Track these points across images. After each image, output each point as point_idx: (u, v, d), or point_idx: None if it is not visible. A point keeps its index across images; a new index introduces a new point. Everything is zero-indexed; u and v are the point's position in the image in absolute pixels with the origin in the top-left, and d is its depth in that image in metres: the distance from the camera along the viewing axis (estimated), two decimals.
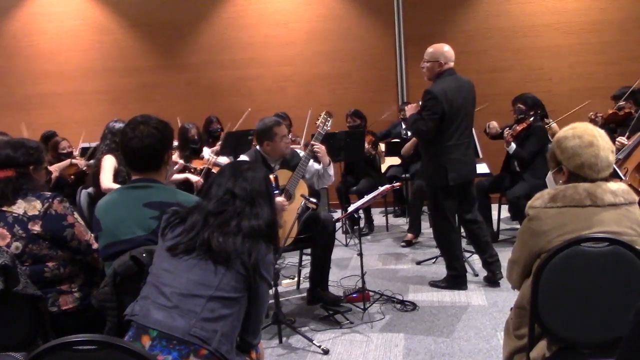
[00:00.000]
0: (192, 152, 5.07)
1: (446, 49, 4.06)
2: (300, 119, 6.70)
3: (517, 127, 5.25)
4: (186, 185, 4.69)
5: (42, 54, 8.50)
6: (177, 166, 4.66)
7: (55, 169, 5.29)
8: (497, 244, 5.22)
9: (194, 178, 4.75)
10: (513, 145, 5.18)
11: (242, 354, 1.88)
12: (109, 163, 3.90)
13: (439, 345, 3.29)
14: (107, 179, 3.83)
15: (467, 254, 4.70)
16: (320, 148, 3.84)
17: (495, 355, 3.11)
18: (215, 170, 4.78)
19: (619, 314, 1.89)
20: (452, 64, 4.07)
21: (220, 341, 1.70)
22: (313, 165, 3.95)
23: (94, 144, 5.96)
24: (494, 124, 5.49)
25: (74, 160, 5.51)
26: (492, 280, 4.23)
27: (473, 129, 4.44)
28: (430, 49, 4.10)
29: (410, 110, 4.20)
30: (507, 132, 5.23)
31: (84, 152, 5.97)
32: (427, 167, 4.22)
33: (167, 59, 8.28)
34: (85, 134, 6.49)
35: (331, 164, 3.98)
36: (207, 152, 5.21)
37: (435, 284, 4.31)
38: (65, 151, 5.66)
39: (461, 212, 4.27)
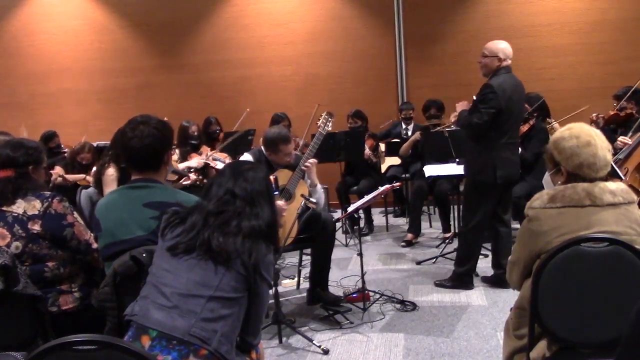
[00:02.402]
0: (191, 147, 5.07)
1: (503, 45, 3.98)
2: (300, 118, 6.70)
3: (522, 128, 5.19)
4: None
5: (42, 54, 8.50)
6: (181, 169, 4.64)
7: (62, 176, 5.21)
8: None
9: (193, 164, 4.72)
10: (519, 149, 5.12)
11: (242, 354, 1.88)
12: (111, 179, 3.86)
13: (439, 345, 3.29)
14: None
15: None
16: (310, 164, 3.79)
17: (495, 355, 3.11)
18: (213, 165, 4.78)
19: (619, 314, 1.89)
20: (510, 62, 3.99)
21: (220, 341, 1.70)
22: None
23: (94, 144, 5.96)
24: None
25: (88, 177, 5.38)
26: (496, 284, 4.22)
27: None
28: (489, 44, 4.01)
29: (460, 107, 4.13)
30: None
31: None
32: (475, 162, 4.09)
33: (167, 59, 8.28)
34: (85, 134, 6.49)
35: (318, 186, 3.86)
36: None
37: (441, 284, 4.30)
38: (84, 162, 5.43)
39: (499, 211, 4.20)
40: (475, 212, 4.11)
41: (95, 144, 5.92)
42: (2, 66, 8.58)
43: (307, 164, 3.79)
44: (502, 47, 3.98)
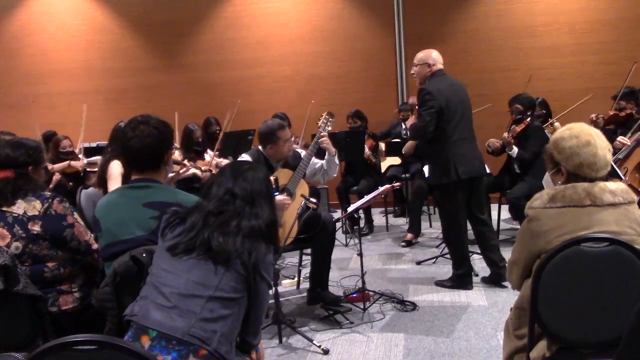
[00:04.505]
0: (195, 154, 5.07)
1: (434, 54, 4.18)
2: (300, 118, 6.70)
3: (517, 128, 5.23)
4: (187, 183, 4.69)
5: (43, 54, 8.50)
6: (185, 170, 4.62)
7: (52, 169, 5.22)
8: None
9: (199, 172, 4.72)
10: (515, 149, 5.15)
11: (242, 354, 1.88)
12: (116, 171, 3.85)
13: (439, 345, 3.29)
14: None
15: None
16: (326, 137, 3.91)
17: (495, 355, 3.11)
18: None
19: (619, 314, 1.89)
20: (440, 66, 4.16)
21: (220, 341, 1.70)
22: (316, 162, 3.96)
23: (94, 144, 5.95)
24: (492, 141, 5.43)
25: (72, 163, 5.44)
26: (495, 282, 4.22)
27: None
28: (418, 54, 4.24)
29: (411, 121, 4.25)
30: (506, 134, 5.21)
31: (87, 153, 5.89)
32: (434, 166, 4.22)
33: (167, 59, 8.28)
34: (85, 134, 6.47)
35: (335, 156, 4.04)
36: (209, 156, 5.19)
37: (441, 284, 4.30)
38: (65, 150, 5.58)
39: (474, 210, 4.24)
40: (450, 213, 4.20)
41: (95, 144, 5.92)
42: (2, 66, 8.57)
43: (323, 139, 3.87)
44: (431, 54, 4.19)
